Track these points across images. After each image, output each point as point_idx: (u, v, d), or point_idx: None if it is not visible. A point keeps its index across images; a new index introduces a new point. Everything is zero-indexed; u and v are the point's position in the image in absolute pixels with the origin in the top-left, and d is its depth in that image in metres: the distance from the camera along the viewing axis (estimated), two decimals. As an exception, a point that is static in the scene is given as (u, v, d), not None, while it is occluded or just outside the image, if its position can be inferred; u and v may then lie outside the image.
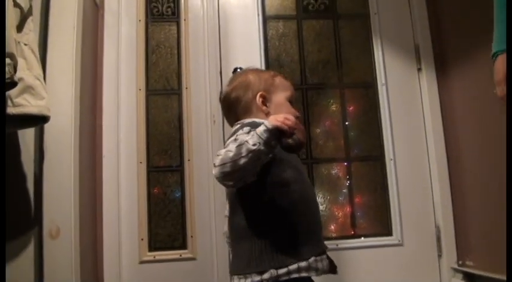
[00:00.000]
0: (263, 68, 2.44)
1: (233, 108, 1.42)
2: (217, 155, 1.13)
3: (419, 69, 2.52)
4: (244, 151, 1.09)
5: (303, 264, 1.16)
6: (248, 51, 2.47)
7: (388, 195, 2.44)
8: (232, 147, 1.11)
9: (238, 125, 1.33)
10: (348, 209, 2.44)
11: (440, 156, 2.42)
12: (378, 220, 2.44)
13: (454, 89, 2.40)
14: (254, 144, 1.09)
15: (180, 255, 2.28)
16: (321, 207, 2.41)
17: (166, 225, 2.32)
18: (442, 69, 2.48)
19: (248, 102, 1.38)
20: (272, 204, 1.19)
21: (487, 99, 2.09)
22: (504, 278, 1.90)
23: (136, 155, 2.35)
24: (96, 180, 2.25)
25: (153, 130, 2.40)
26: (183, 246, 2.30)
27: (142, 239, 2.28)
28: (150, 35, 2.50)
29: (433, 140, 2.43)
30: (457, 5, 2.37)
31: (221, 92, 2.31)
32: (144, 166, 2.35)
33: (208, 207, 2.29)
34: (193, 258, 2.27)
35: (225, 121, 2.34)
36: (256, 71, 1.48)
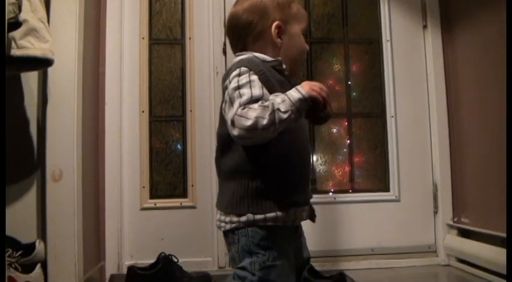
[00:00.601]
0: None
1: (242, 34, 1.26)
2: (240, 116, 1.05)
3: (424, 26, 2.49)
4: (277, 120, 1.04)
5: (281, 214, 1.15)
6: (253, 3, 2.43)
7: (387, 151, 2.46)
8: (263, 113, 1.04)
9: (236, 60, 1.22)
10: (347, 164, 2.47)
11: (441, 114, 2.42)
12: (376, 176, 2.48)
13: (458, 48, 2.38)
14: (286, 112, 1.04)
15: (181, 204, 2.32)
16: (320, 162, 2.44)
17: (168, 174, 2.36)
18: (448, 27, 2.45)
19: (262, 30, 1.23)
20: (264, 151, 1.14)
21: (491, 59, 2.09)
22: (496, 233, 1.97)
23: (138, 104, 2.36)
24: (98, 127, 2.27)
25: (155, 80, 2.40)
26: (183, 194, 2.34)
27: (143, 187, 2.32)
28: (154, -18, 2.46)
29: (434, 98, 2.43)
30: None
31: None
32: (146, 115, 2.36)
33: (210, 157, 2.30)
34: (193, 207, 2.32)
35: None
36: None
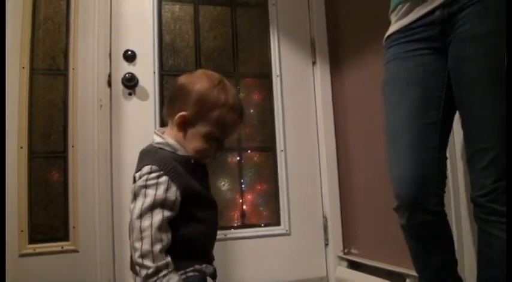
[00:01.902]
0: (156, 51, 2.36)
1: (168, 103, 1.30)
2: (139, 218, 1.14)
3: (314, 63, 2.55)
4: (142, 260, 1.11)
5: (197, 267, 1.22)
6: (141, 34, 2.36)
7: (277, 185, 2.47)
8: (150, 243, 1.12)
9: (151, 149, 1.26)
10: (238, 198, 2.45)
11: (330, 148, 2.49)
12: (268, 210, 2.48)
13: (345, 83, 2.45)
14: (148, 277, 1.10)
15: (62, 247, 2.17)
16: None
17: (48, 215, 2.20)
18: (336, 63, 2.53)
19: (174, 111, 1.24)
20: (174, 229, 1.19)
21: (374, 94, 2.15)
22: (381, 265, 2.03)
23: (17, 139, 2.19)
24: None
25: (35, 113, 2.24)
26: (65, 237, 2.19)
27: (22, 231, 2.14)
28: (37, 7, 2.31)
29: (323, 132, 2.49)
30: (353, 3, 2.41)
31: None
32: (25, 151, 2.20)
33: (92, 196, 2.20)
34: (75, 251, 2.18)
35: (113, 106, 2.27)
36: (209, 85, 1.24)
